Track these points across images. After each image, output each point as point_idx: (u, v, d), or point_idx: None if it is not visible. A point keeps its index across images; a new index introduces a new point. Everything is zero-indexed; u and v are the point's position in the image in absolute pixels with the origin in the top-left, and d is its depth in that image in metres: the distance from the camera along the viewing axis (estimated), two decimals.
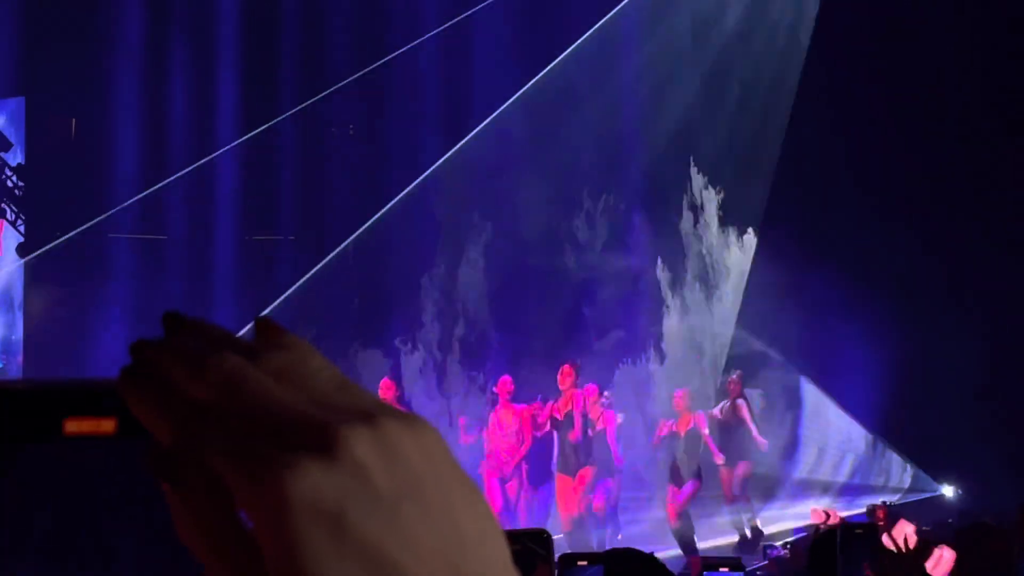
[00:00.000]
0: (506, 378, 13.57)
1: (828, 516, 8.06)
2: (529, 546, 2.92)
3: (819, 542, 4.67)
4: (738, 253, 15.90)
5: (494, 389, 13.71)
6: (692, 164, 15.75)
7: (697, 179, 15.75)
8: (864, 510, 12.72)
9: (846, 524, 4.78)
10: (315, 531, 0.62)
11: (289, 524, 0.62)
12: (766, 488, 15.29)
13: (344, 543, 0.62)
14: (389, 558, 0.63)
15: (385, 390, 13.01)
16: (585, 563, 3.78)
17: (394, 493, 0.64)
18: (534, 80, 15.62)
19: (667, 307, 15.73)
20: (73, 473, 0.68)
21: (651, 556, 4.12)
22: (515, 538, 3.00)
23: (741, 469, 14.01)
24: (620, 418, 13.71)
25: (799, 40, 16.02)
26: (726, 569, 4.76)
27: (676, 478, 13.80)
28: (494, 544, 0.66)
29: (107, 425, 0.67)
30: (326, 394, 0.66)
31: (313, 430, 0.63)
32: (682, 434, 13.73)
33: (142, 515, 0.66)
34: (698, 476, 13.76)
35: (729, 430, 13.96)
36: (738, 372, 14.42)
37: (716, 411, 14.22)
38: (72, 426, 0.67)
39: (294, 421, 0.64)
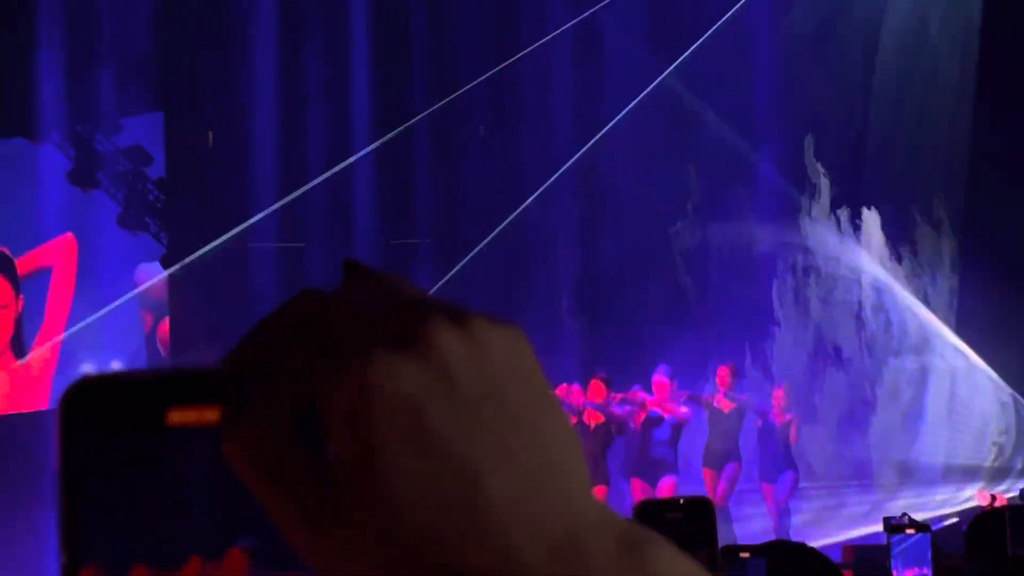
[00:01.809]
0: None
1: (994, 499, 7.85)
2: (689, 518, 2.78)
3: (980, 523, 4.52)
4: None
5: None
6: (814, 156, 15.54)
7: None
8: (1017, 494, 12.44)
9: (1012, 507, 4.63)
10: (392, 424, 0.60)
11: (366, 415, 0.60)
12: (899, 473, 14.92)
13: (421, 438, 0.60)
14: (465, 458, 0.61)
15: None
16: (747, 555, 3.54)
17: (477, 392, 0.62)
18: (665, 73, 15.49)
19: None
20: (177, 463, 0.67)
21: (814, 550, 3.98)
22: (673, 506, 2.87)
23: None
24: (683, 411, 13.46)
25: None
26: (912, 531, 4.60)
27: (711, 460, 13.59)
28: (575, 462, 0.64)
29: (211, 415, 0.65)
30: (415, 297, 0.64)
31: (398, 323, 0.61)
32: (725, 411, 13.52)
33: (247, 506, 0.64)
34: (737, 459, 13.55)
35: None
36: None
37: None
38: (176, 416, 0.66)
39: (378, 316, 0.62)
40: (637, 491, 13.34)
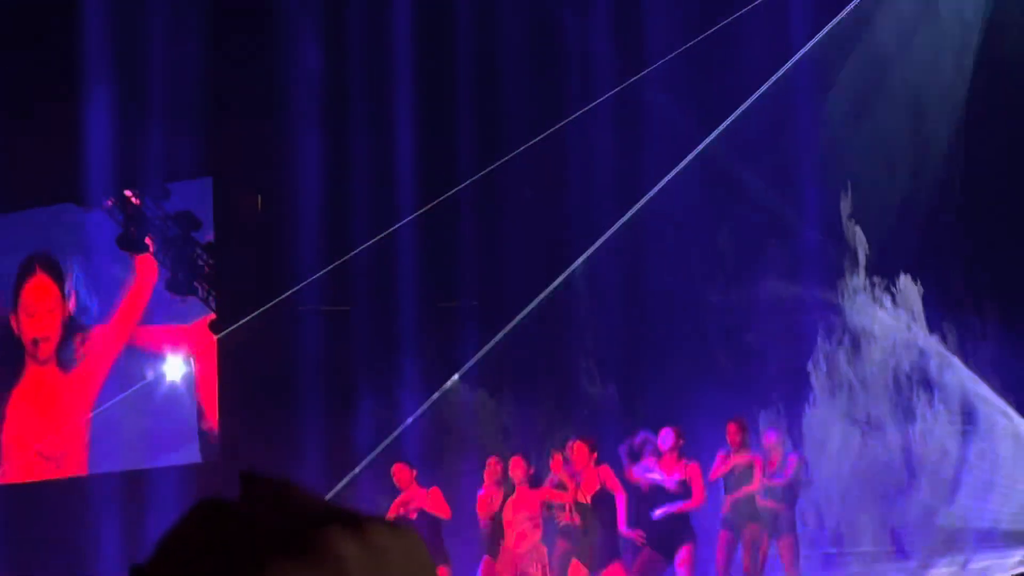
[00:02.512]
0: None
1: None
2: None
3: None
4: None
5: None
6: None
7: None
8: None
9: None
10: None
11: None
12: (940, 541, 14.69)
13: None
14: None
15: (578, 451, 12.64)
16: None
17: None
18: (708, 140, 15.55)
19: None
20: None
21: None
22: None
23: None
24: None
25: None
26: None
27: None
28: None
29: None
30: (310, 503, 0.66)
31: (294, 532, 0.63)
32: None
33: None
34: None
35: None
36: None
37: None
38: None
39: (275, 527, 0.64)
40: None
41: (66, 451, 16.94)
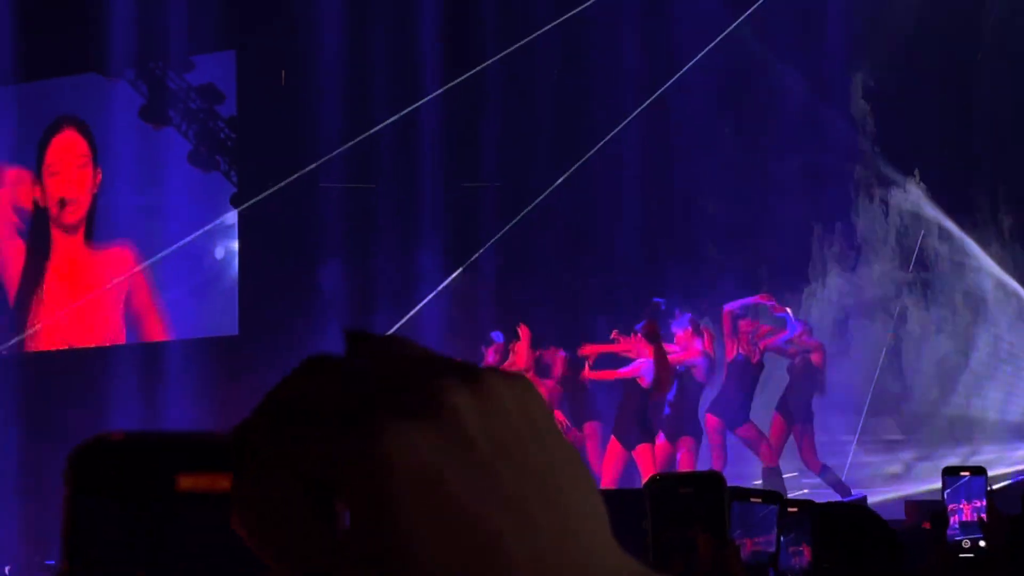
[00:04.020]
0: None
1: None
2: (700, 492, 2.82)
3: None
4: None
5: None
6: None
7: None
8: None
9: None
10: (409, 494, 0.60)
11: (381, 487, 0.60)
12: (949, 429, 14.71)
13: (440, 506, 0.60)
14: (485, 523, 0.60)
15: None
16: (759, 500, 3.41)
17: (494, 453, 0.61)
18: (735, 24, 15.39)
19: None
20: (185, 529, 0.66)
21: (855, 506, 3.99)
22: (685, 480, 2.91)
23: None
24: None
25: None
26: (967, 474, 4.64)
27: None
28: (592, 507, 0.63)
29: (221, 482, 0.65)
30: (421, 357, 0.64)
31: (409, 388, 0.61)
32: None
33: (256, 573, 0.63)
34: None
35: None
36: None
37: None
38: (186, 482, 0.66)
39: (388, 383, 0.62)
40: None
41: (97, 321, 17.06)
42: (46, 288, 17.28)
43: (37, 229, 17.41)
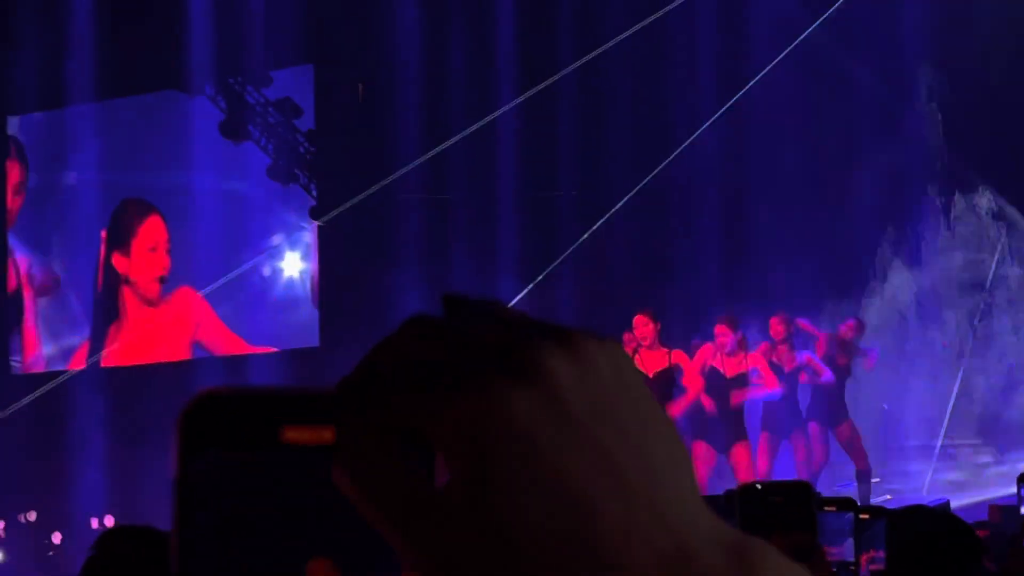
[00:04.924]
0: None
1: None
2: (789, 501, 2.84)
3: None
4: None
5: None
6: None
7: None
8: None
9: None
10: (507, 451, 0.61)
11: (480, 443, 0.61)
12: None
13: (535, 465, 0.61)
14: (578, 484, 0.61)
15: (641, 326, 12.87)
16: (833, 508, 3.46)
17: (588, 415, 0.62)
18: (812, 27, 15.33)
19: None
20: (291, 480, 0.68)
21: (938, 511, 3.96)
22: (775, 489, 2.93)
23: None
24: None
25: None
26: None
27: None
28: (685, 474, 0.64)
29: (325, 434, 0.67)
30: (518, 320, 0.65)
31: (506, 350, 0.62)
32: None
33: (359, 526, 0.65)
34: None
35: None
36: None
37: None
38: (291, 434, 0.67)
39: (488, 343, 0.63)
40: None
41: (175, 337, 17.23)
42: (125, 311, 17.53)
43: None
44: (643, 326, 12.77)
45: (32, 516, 15.03)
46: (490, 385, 0.61)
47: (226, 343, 16.97)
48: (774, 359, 13.06)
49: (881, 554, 3.40)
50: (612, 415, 0.63)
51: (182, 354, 17.11)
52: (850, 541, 3.16)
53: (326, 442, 0.66)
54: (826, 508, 3.04)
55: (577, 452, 0.61)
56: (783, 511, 2.87)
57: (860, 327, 13.54)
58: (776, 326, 13.07)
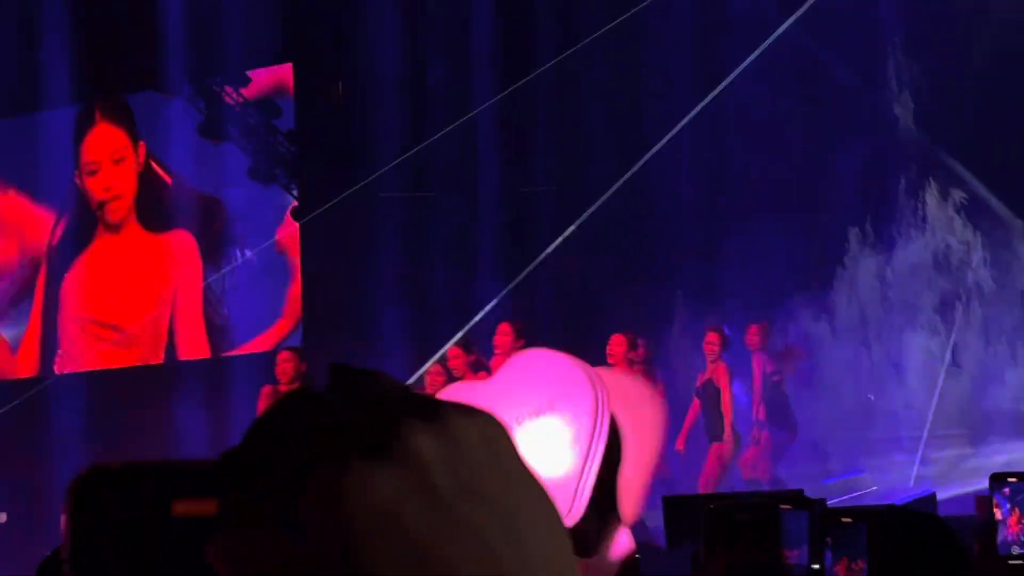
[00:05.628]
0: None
1: None
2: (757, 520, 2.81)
3: None
4: None
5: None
6: None
7: None
8: None
9: None
10: (369, 529, 0.62)
11: (341, 522, 0.62)
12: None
13: (399, 541, 0.62)
14: (444, 559, 0.62)
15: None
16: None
17: (454, 490, 0.63)
18: (788, 22, 15.33)
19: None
20: (180, 551, 0.69)
21: (921, 513, 3.91)
22: (743, 508, 2.90)
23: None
24: None
25: None
26: (1015, 479, 4.59)
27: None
28: (555, 535, 0.65)
29: (211, 507, 0.68)
30: (394, 394, 0.67)
31: (375, 428, 0.64)
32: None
33: None
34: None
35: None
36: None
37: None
38: (179, 507, 0.70)
39: (357, 422, 0.65)
40: None
41: (142, 333, 17.03)
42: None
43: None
44: (617, 346, 12.80)
45: (3, 518, 14.95)
46: (354, 465, 0.63)
47: (203, 339, 16.89)
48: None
49: (862, 564, 3.24)
50: (479, 488, 0.64)
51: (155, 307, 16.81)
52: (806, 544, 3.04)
53: (211, 514, 0.68)
54: (782, 507, 2.94)
55: (442, 527, 0.63)
56: (752, 531, 2.83)
57: (764, 331, 13.58)
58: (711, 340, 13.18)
